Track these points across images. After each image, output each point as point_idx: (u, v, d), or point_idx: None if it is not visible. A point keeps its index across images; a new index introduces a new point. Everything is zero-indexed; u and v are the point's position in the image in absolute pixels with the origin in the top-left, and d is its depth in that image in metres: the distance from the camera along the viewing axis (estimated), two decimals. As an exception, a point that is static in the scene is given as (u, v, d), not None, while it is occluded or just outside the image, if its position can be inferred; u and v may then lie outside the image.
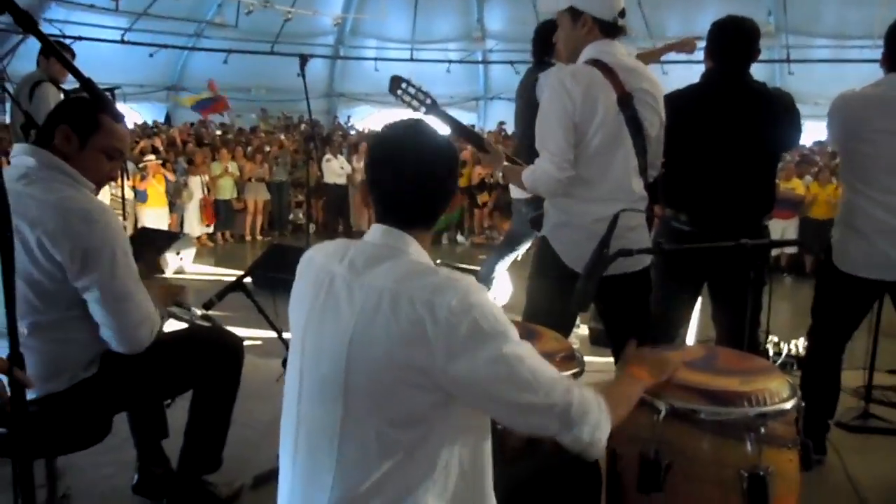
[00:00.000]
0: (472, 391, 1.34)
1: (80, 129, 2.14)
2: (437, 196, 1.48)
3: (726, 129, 2.87)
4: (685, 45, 3.91)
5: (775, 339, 4.52)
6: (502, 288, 5.06)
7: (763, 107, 2.91)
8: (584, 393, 1.43)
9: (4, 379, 1.44)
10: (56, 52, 1.83)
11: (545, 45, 3.13)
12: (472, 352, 1.30)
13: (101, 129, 2.17)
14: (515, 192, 4.56)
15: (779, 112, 2.93)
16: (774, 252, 8.04)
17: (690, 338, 3.68)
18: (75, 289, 2.05)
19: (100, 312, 2.10)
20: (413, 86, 2.73)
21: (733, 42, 2.91)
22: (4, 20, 1.42)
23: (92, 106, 2.21)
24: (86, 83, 2.17)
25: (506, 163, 2.74)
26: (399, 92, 2.74)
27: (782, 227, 8.57)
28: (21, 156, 2.11)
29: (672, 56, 4.29)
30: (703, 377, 1.93)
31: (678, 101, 2.78)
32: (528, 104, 2.58)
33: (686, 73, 3.55)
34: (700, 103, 2.93)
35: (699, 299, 3.25)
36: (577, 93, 2.39)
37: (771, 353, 4.43)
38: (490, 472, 1.48)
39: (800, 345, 4.49)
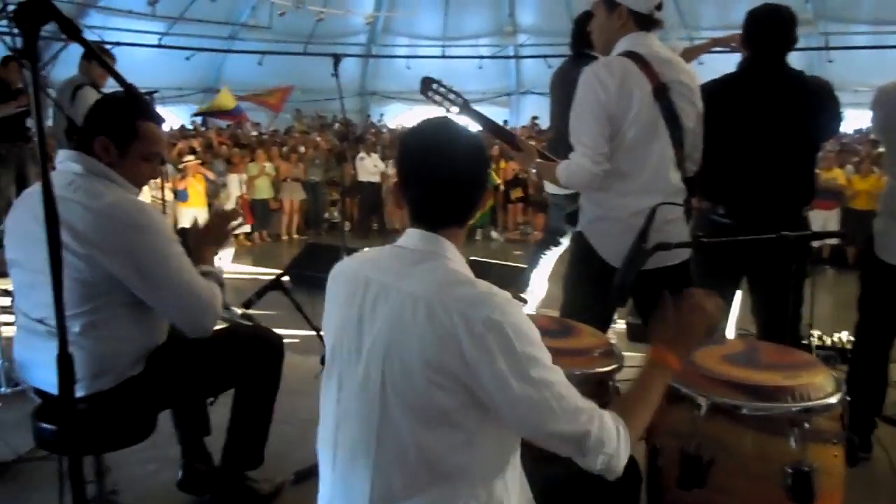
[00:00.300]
0: (495, 403, 1.34)
1: (118, 138, 2.17)
2: (471, 194, 1.49)
3: (764, 118, 2.83)
4: (731, 40, 3.85)
5: (818, 332, 4.43)
6: (539, 285, 5.03)
7: (802, 95, 2.86)
8: (605, 422, 1.41)
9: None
10: (98, 57, 1.88)
11: (584, 36, 3.08)
12: (500, 370, 1.31)
13: (138, 136, 2.20)
14: (550, 188, 4.54)
15: (818, 100, 2.88)
16: (816, 244, 7.88)
17: (730, 332, 3.63)
18: (123, 289, 2.09)
19: (164, 310, 2.17)
20: (444, 86, 2.76)
21: (770, 30, 2.87)
22: (49, 28, 1.45)
23: (127, 112, 2.22)
24: (127, 87, 2.22)
25: (538, 159, 2.73)
26: (430, 93, 2.77)
27: (823, 218, 8.41)
28: (66, 161, 2.15)
29: (708, 46, 4.23)
30: (744, 372, 1.90)
31: (715, 91, 2.75)
32: (568, 96, 2.55)
33: (723, 63, 3.49)
34: (737, 93, 2.89)
35: (738, 292, 3.21)
36: (612, 84, 2.38)
37: (814, 346, 4.34)
38: (519, 483, 1.50)
39: (843, 338, 4.40)
